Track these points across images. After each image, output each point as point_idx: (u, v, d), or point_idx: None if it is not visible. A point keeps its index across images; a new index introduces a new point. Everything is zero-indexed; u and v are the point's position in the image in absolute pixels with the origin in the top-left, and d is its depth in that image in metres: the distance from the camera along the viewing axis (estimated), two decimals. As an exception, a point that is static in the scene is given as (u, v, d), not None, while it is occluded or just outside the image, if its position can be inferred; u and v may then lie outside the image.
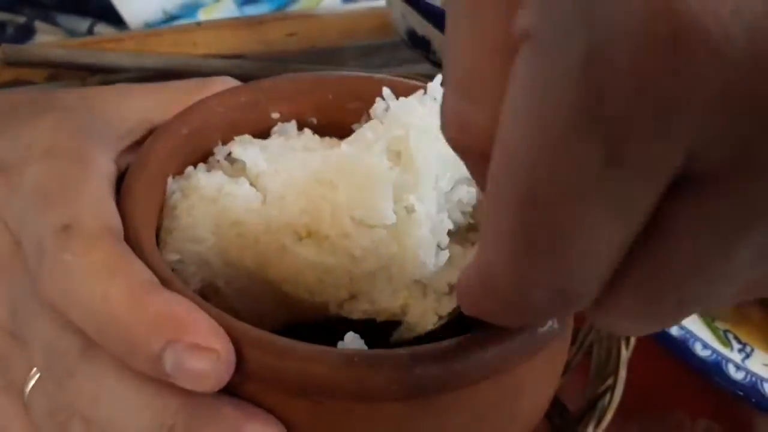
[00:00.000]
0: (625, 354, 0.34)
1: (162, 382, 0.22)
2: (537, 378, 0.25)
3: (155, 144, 0.29)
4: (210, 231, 0.27)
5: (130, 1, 0.65)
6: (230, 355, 0.22)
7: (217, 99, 0.31)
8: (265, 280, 0.27)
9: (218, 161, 0.30)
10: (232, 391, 0.22)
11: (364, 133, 0.28)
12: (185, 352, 0.21)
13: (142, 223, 0.26)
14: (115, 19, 0.65)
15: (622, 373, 0.34)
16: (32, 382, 0.25)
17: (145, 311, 0.22)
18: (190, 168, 0.29)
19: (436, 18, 0.47)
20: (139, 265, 0.24)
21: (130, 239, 0.25)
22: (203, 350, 0.21)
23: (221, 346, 0.22)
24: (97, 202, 0.25)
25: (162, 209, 0.28)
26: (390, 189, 0.26)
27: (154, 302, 0.22)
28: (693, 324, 0.43)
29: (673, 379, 0.43)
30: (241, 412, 0.22)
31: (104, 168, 0.27)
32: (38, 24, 0.70)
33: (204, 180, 0.28)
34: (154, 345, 0.21)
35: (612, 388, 0.32)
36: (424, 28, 0.49)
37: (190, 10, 0.69)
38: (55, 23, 0.70)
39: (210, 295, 0.28)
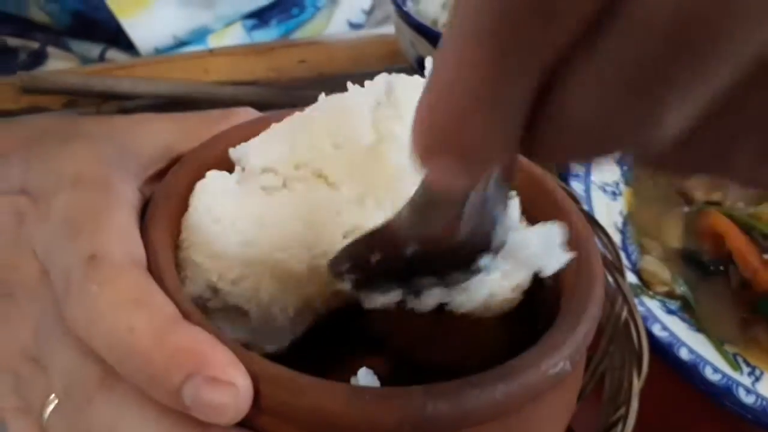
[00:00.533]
0: (636, 384, 0.34)
1: (180, 414, 0.22)
2: (548, 416, 0.26)
3: (178, 174, 0.29)
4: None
5: (140, 27, 0.66)
6: (248, 389, 0.22)
7: (240, 130, 0.32)
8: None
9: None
10: (247, 424, 0.23)
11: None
12: (205, 385, 0.22)
13: (164, 253, 0.26)
14: (125, 44, 0.66)
15: (634, 404, 0.34)
16: (51, 407, 0.26)
17: (167, 344, 0.22)
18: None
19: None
20: (162, 297, 0.24)
21: (152, 270, 0.25)
22: (222, 384, 0.22)
23: (240, 380, 0.22)
24: (123, 232, 0.26)
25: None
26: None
27: (177, 336, 0.23)
28: (703, 348, 0.43)
29: (682, 405, 0.43)
30: None
31: (130, 197, 0.27)
32: (51, 49, 0.71)
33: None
34: (175, 378, 0.22)
35: (624, 419, 0.33)
36: (432, 54, 0.50)
37: (200, 35, 0.71)
38: (67, 48, 0.71)
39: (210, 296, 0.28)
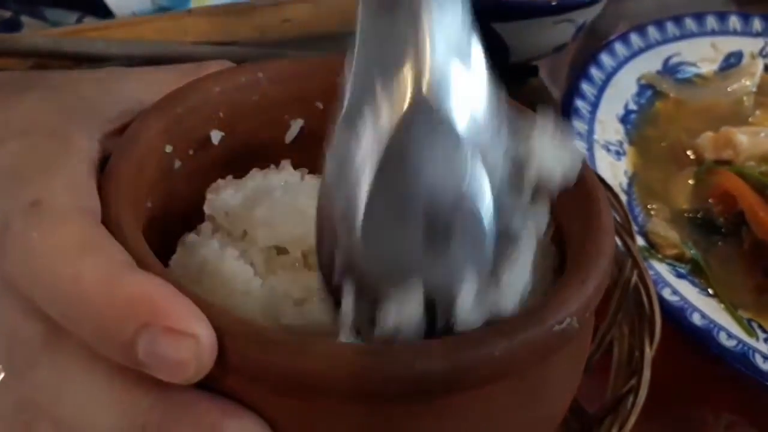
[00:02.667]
0: (648, 352, 0.32)
1: (133, 376, 0.20)
2: (555, 381, 0.23)
3: (146, 122, 0.26)
4: None
5: None
6: (211, 341, 0.19)
7: (215, 78, 0.29)
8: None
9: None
10: (210, 386, 0.20)
11: None
12: (161, 336, 0.19)
13: (127, 202, 0.24)
14: (103, 11, 0.64)
15: (646, 374, 0.31)
16: None
17: (118, 292, 0.20)
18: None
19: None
20: (114, 245, 0.21)
21: (111, 220, 0.23)
22: (181, 335, 0.19)
23: (201, 331, 0.19)
24: (72, 181, 0.23)
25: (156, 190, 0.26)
26: None
27: (130, 283, 0.20)
28: (716, 313, 0.40)
29: (695, 373, 0.41)
30: (221, 410, 0.20)
31: (85, 147, 0.25)
32: (25, 18, 0.68)
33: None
34: (127, 329, 0.19)
35: (636, 390, 0.30)
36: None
37: (181, 1, 0.68)
38: (42, 17, 0.68)
39: None
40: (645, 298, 0.32)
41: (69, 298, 0.20)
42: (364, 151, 0.19)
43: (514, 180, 0.22)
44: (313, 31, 0.54)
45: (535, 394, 0.22)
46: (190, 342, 0.19)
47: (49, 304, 0.21)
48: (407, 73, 0.19)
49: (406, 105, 0.19)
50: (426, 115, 0.19)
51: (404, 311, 0.20)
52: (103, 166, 0.25)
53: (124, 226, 0.23)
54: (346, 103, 0.20)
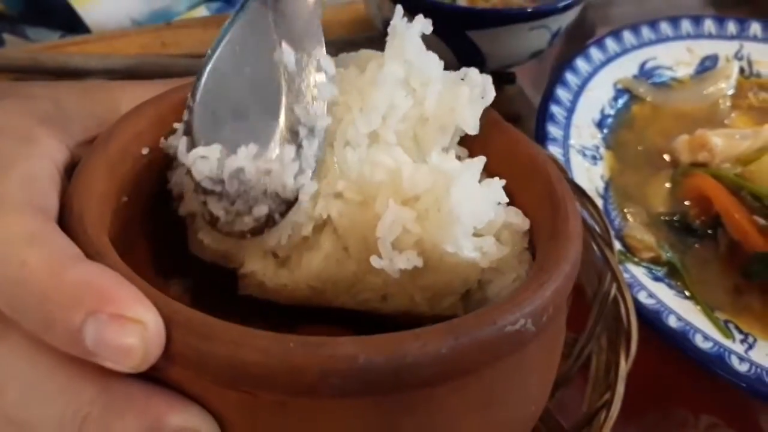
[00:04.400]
0: (624, 367, 0.32)
1: (77, 367, 0.20)
2: (511, 386, 0.23)
3: (120, 125, 0.27)
4: None
5: (95, 10, 0.63)
6: (158, 327, 0.19)
7: (187, 87, 0.29)
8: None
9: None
10: (155, 376, 0.20)
11: None
12: (108, 323, 0.19)
13: (94, 198, 0.24)
14: (84, 30, 0.63)
15: (620, 389, 0.31)
16: None
17: (65, 279, 0.20)
18: None
19: (412, 6, 0.45)
20: (63, 239, 0.22)
21: (74, 214, 0.23)
22: (128, 322, 0.19)
23: (148, 317, 0.19)
24: (30, 179, 0.23)
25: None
26: None
27: (76, 271, 0.20)
28: (692, 315, 0.41)
29: (672, 374, 0.41)
30: (165, 402, 0.20)
31: (52, 150, 0.25)
32: (6, 36, 0.68)
33: None
34: (74, 316, 0.19)
35: (608, 404, 0.30)
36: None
37: (161, 19, 0.68)
38: (24, 36, 0.68)
39: None
40: (623, 312, 0.32)
41: (15, 286, 0.20)
42: None
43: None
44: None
45: (490, 397, 0.22)
46: (137, 328, 0.19)
47: None
48: None
49: None
50: None
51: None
52: (70, 170, 0.25)
53: (87, 220, 0.23)
54: None
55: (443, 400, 0.20)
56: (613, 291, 0.33)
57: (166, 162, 0.28)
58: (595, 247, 0.34)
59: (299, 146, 0.26)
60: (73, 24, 0.63)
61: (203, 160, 0.25)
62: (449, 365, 0.20)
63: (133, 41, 0.52)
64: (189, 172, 0.26)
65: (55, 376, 0.20)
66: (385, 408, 0.20)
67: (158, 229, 0.29)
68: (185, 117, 0.26)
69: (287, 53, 0.27)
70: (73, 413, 0.20)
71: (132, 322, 0.19)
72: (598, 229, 0.36)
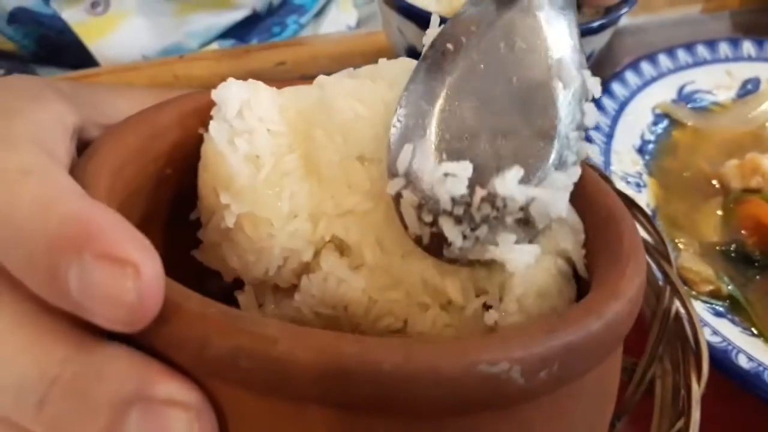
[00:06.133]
0: (697, 389, 0.28)
1: (50, 319, 0.17)
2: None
3: (147, 113, 0.25)
4: None
5: (108, 51, 0.62)
6: (155, 275, 0.16)
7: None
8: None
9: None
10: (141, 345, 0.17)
11: None
12: (94, 263, 0.16)
13: (104, 178, 0.22)
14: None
15: (695, 415, 0.27)
16: None
17: (53, 214, 0.17)
18: None
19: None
20: (65, 177, 0.19)
21: (78, 175, 0.21)
22: (117, 263, 0.16)
23: (144, 260, 0.16)
24: (36, 125, 0.21)
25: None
26: None
27: (68, 206, 0.17)
28: (763, 354, 0.36)
29: (743, 419, 0.36)
30: (152, 367, 0.16)
31: (63, 112, 0.23)
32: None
33: None
34: (58, 256, 0.16)
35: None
36: (422, 40, 0.45)
37: (172, 56, 0.66)
38: (34, 75, 0.67)
39: None
40: (688, 329, 0.28)
41: (2, 220, 0.17)
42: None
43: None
44: (308, 73, 0.52)
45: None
46: (129, 271, 0.16)
47: None
48: None
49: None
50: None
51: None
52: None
53: (90, 186, 0.20)
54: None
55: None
56: (674, 307, 0.29)
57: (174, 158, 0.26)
58: (650, 261, 0.30)
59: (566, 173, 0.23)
60: (85, 62, 0.62)
61: (452, 179, 0.22)
62: (441, 393, 0.16)
63: (143, 74, 0.50)
64: (428, 189, 0.22)
65: (21, 330, 0.17)
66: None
67: (160, 229, 0.26)
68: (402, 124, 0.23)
69: (561, 73, 0.24)
70: (38, 376, 0.16)
71: (122, 263, 0.16)
72: (651, 240, 0.32)
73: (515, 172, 0.22)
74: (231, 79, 0.25)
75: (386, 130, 0.24)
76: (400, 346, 0.16)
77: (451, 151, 0.23)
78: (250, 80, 0.26)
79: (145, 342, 0.17)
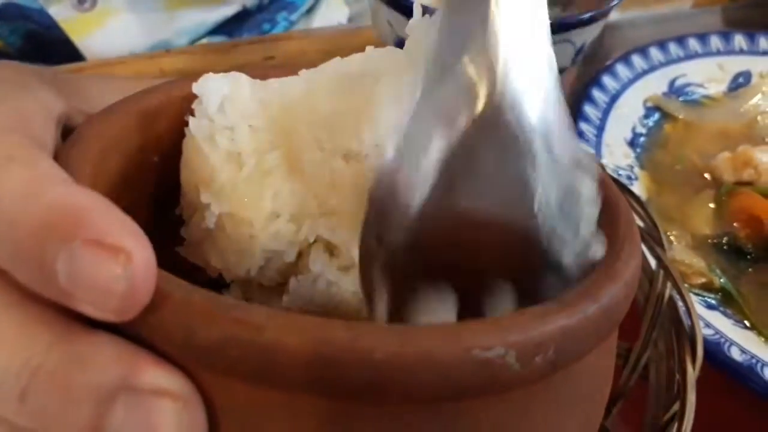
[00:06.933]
0: (692, 373, 0.27)
1: (33, 307, 0.16)
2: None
3: (130, 100, 0.24)
4: None
5: (95, 44, 0.61)
6: (146, 261, 0.16)
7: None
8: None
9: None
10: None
11: None
12: (83, 250, 0.15)
13: (88, 166, 0.21)
14: (82, 65, 0.62)
15: (691, 397, 0.26)
16: None
17: (40, 201, 0.16)
18: None
19: (426, 17, 0.42)
20: (50, 164, 0.18)
21: (61, 162, 0.20)
22: (108, 250, 0.15)
23: (135, 247, 0.15)
24: (18, 112, 0.20)
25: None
26: None
27: (56, 193, 0.16)
28: (755, 347, 0.36)
29: (736, 409, 0.36)
30: (138, 355, 0.16)
31: (48, 99, 0.22)
32: (2, 73, 0.66)
33: None
34: (46, 245, 0.15)
35: (680, 416, 0.25)
36: (413, 32, 0.44)
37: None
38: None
39: None
40: (683, 312, 0.27)
41: None
42: (432, 149, 0.18)
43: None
44: (297, 68, 0.51)
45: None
46: (120, 258, 0.15)
47: None
48: (479, 71, 0.18)
49: (479, 106, 0.18)
50: (497, 117, 0.18)
51: (435, 317, 0.18)
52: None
53: (74, 173, 0.20)
54: (418, 94, 0.19)
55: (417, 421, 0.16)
56: (668, 291, 0.29)
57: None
58: (643, 246, 0.30)
59: None
60: (73, 59, 0.62)
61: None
62: (433, 381, 0.16)
63: (129, 68, 0.49)
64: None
65: (4, 319, 0.16)
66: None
67: (147, 216, 0.26)
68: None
69: None
70: (21, 365, 0.16)
71: (113, 250, 0.15)
72: (644, 226, 0.31)
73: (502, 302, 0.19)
74: (210, 74, 0.25)
75: (371, 126, 0.23)
76: (392, 332, 0.16)
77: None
78: (232, 73, 0.25)
79: (132, 331, 0.16)
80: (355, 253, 0.22)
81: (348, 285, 0.23)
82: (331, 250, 0.24)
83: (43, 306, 0.16)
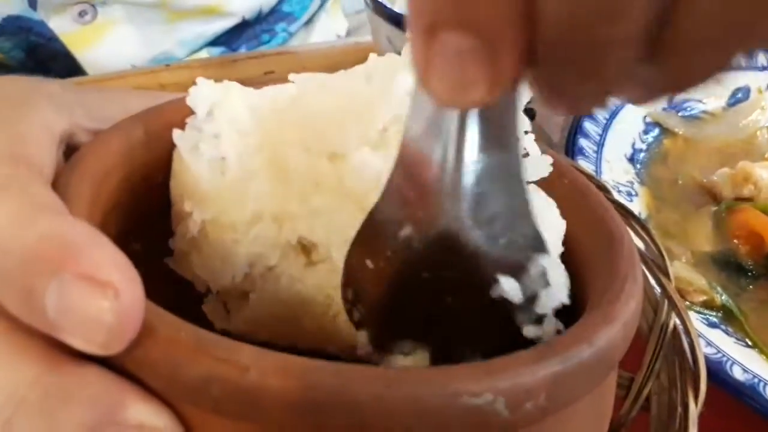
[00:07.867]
0: (694, 409, 0.27)
1: (19, 339, 0.16)
2: None
3: (129, 121, 0.24)
4: None
5: (95, 57, 0.61)
6: (133, 296, 0.16)
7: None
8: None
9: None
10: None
11: None
12: (73, 284, 0.15)
13: (89, 180, 0.21)
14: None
15: (693, 432, 0.26)
16: None
17: (30, 231, 0.16)
18: None
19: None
20: (43, 190, 0.18)
21: (60, 189, 0.20)
22: (97, 284, 0.15)
23: (122, 282, 0.16)
24: (16, 135, 0.20)
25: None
26: None
27: (44, 224, 0.17)
28: (757, 366, 0.36)
29: (739, 429, 0.36)
30: (124, 389, 0.16)
31: (50, 119, 0.22)
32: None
33: None
34: (35, 277, 0.16)
35: None
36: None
37: (162, 63, 0.65)
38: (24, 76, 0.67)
39: None
40: (686, 345, 0.27)
41: None
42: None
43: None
44: (298, 82, 0.51)
45: None
46: (109, 293, 0.15)
47: None
48: None
49: None
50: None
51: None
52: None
53: (72, 193, 0.20)
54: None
55: None
56: (672, 322, 0.29)
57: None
58: (648, 274, 0.30)
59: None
60: (74, 72, 0.62)
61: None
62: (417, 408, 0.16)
63: (129, 82, 0.49)
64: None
65: (10, 355, 0.16)
66: None
67: (149, 237, 0.26)
68: None
69: None
70: (7, 396, 0.16)
71: (102, 285, 0.15)
72: (649, 253, 0.31)
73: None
74: (201, 79, 0.25)
75: (358, 125, 0.23)
76: (378, 376, 0.16)
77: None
78: (225, 81, 0.25)
79: (119, 364, 0.16)
80: (336, 251, 0.23)
81: (312, 280, 0.23)
82: (309, 251, 0.23)
83: (31, 336, 0.16)
